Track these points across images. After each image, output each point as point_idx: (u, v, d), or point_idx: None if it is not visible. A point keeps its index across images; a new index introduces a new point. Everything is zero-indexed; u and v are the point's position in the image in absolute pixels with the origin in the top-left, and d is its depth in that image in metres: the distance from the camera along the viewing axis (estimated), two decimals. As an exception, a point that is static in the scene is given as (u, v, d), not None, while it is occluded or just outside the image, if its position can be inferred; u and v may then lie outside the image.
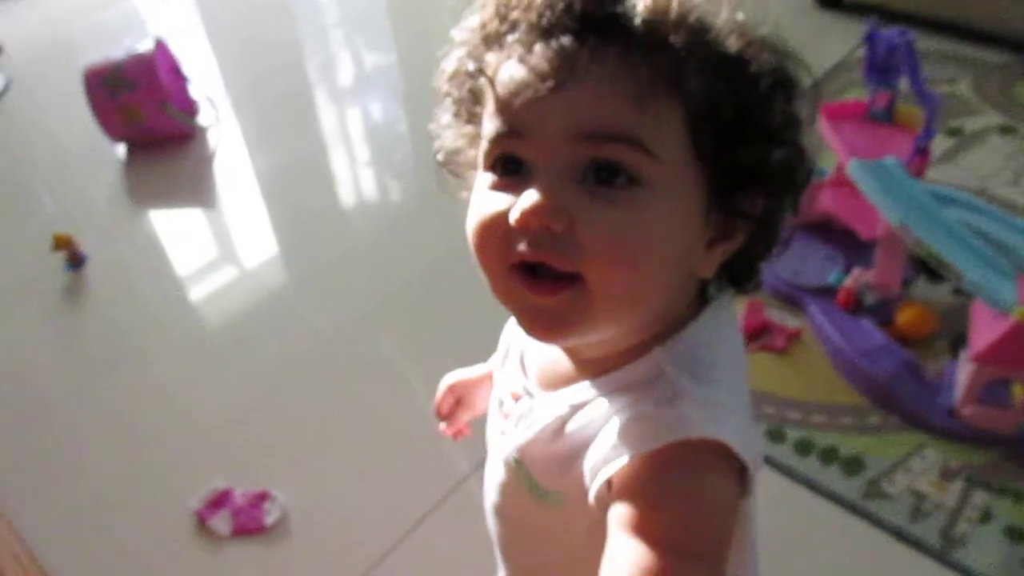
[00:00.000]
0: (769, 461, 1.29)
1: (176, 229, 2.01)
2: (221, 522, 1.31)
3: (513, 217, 0.48)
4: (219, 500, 1.34)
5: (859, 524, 1.21)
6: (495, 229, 0.49)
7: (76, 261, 1.83)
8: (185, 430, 1.48)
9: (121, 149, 2.17)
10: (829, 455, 1.29)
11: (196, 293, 1.83)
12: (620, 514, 0.47)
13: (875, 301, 1.44)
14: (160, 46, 2.13)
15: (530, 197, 0.47)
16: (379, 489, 1.34)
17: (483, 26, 0.51)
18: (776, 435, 1.32)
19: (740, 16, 0.49)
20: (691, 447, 0.47)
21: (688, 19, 0.47)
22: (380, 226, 1.94)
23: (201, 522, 1.31)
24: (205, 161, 2.19)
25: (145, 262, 1.90)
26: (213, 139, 2.23)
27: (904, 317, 1.41)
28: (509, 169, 0.50)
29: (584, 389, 0.55)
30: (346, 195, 2.06)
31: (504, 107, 0.49)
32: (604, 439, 0.50)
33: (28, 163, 2.25)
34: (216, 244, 1.94)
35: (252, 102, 2.43)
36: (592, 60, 0.46)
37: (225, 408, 1.51)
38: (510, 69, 0.49)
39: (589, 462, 0.51)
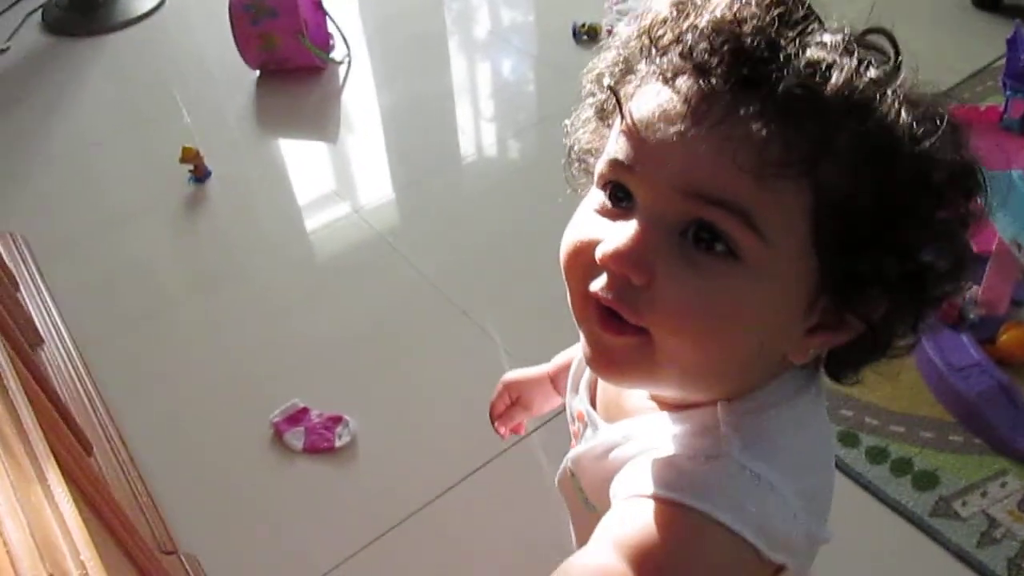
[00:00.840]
0: (836, 463, 1.26)
1: (297, 158, 2.09)
2: (295, 438, 1.38)
3: (598, 254, 0.46)
4: (296, 417, 1.41)
5: (921, 540, 1.17)
6: (583, 255, 0.48)
7: (200, 175, 1.94)
8: (277, 348, 1.57)
9: (256, 75, 2.27)
10: (902, 466, 1.25)
11: (308, 221, 1.90)
12: (607, 522, 0.47)
13: (978, 318, 1.37)
14: (303, -22, 2.21)
15: (620, 238, 0.45)
16: (447, 431, 1.38)
17: (642, 33, 0.48)
18: (849, 439, 1.29)
19: (917, 91, 0.44)
20: (696, 515, 0.45)
21: (853, 95, 0.42)
22: (492, 181, 1.97)
23: (278, 435, 1.40)
24: (332, 95, 2.26)
25: (264, 185, 1.99)
26: (342, 74, 2.30)
27: (1007, 338, 1.34)
28: (618, 197, 0.48)
29: (640, 423, 0.55)
30: (465, 146, 2.09)
31: (628, 135, 0.46)
32: (631, 468, 0.50)
33: (171, 77, 2.38)
34: (333, 177, 2.01)
35: (385, 42, 2.48)
36: (726, 116, 0.42)
37: (317, 333, 1.59)
38: (645, 96, 0.46)
39: (615, 486, 0.51)
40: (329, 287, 1.70)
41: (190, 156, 1.91)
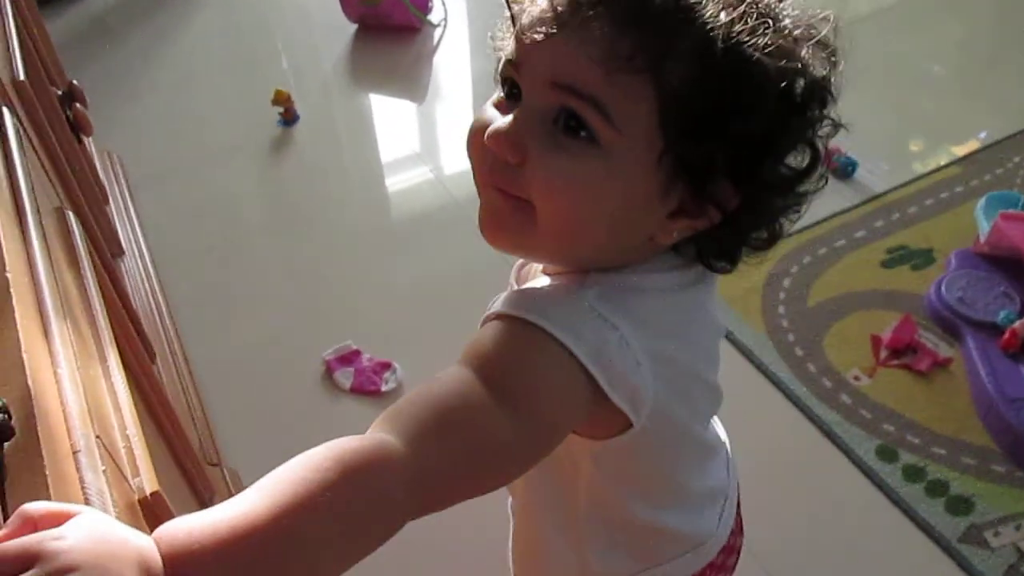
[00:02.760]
0: (870, 476, 1.26)
1: (384, 114, 2.14)
2: (344, 377, 1.44)
3: (484, 136, 0.53)
4: (348, 357, 1.47)
5: (946, 564, 1.16)
6: (478, 138, 0.54)
7: (290, 118, 2.01)
8: (340, 291, 1.63)
9: (354, 28, 2.33)
10: (938, 488, 1.23)
11: (388, 179, 1.95)
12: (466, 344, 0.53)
13: (1042, 350, 1.34)
14: (410, -61, 2.25)
15: (501, 124, 0.52)
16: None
17: None
18: (888, 454, 1.28)
19: (792, 13, 0.51)
20: (535, 329, 0.51)
21: (681, 3, 0.48)
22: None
23: (329, 372, 1.45)
24: (425, 56, 2.30)
25: (349, 136, 2.06)
26: (437, 36, 2.34)
27: (1068, 375, 1.30)
28: (512, 93, 0.54)
29: (531, 282, 0.62)
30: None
31: (516, 38, 0.53)
32: (498, 298, 0.57)
33: (275, 22, 2.46)
34: (417, 139, 2.06)
35: (482, 9, 2.51)
36: (583, 21, 0.49)
37: (380, 283, 1.64)
38: (530, 5, 0.52)
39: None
40: (398, 243, 1.75)
41: (282, 99, 1.98)
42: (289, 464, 0.42)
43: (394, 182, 1.94)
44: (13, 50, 0.98)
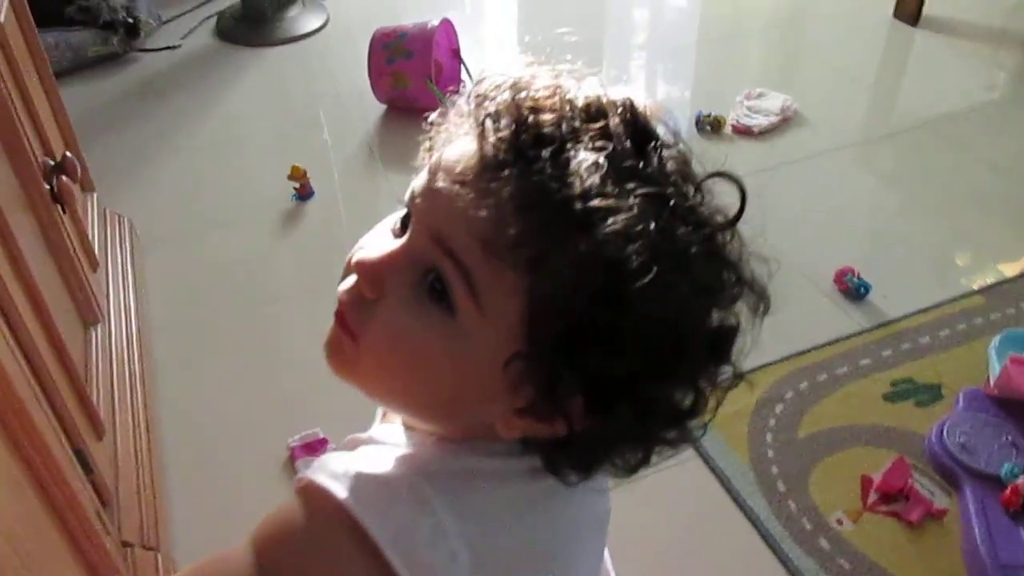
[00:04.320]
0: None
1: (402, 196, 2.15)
2: (305, 466, 1.40)
3: (352, 256, 0.50)
4: (314, 446, 1.44)
5: None
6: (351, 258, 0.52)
7: (304, 193, 2.02)
8: (319, 375, 1.59)
9: (383, 108, 2.36)
10: (912, 659, 1.13)
11: None
12: None
13: (1043, 514, 1.22)
14: (445, 24, 2.28)
15: (373, 251, 0.49)
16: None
17: (472, 91, 0.51)
18: (862, 611, 1.18)
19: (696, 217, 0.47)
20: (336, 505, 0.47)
21: (592, 217, 0.43)
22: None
23: (292, 459, 1.42)
24: (451, 139, 2.31)
25: (361, 216, 2.05)
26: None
27: (1069, 546, 1.19)
28: (404, 222, 0.51)
29: (387, 429, 0.58)
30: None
31: (428, 171, 0.49)
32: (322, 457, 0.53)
33: (306, 97, 2.51)
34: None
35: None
36: (484, 186, 0.44)
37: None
38: (452, 144, 0.49)
39: None
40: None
41: (297, 175, 2.00)
42: None
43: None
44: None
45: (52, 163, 1.30)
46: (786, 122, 2.25)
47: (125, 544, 1.17)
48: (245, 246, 1.94)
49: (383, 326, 0.48)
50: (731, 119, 2.23)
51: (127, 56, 2.59)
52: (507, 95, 0.47)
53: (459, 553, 0.47)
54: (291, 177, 2.01)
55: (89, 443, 1.15)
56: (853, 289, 1.68)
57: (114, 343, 1.47)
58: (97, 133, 2.27)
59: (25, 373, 0.91)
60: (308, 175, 2.02)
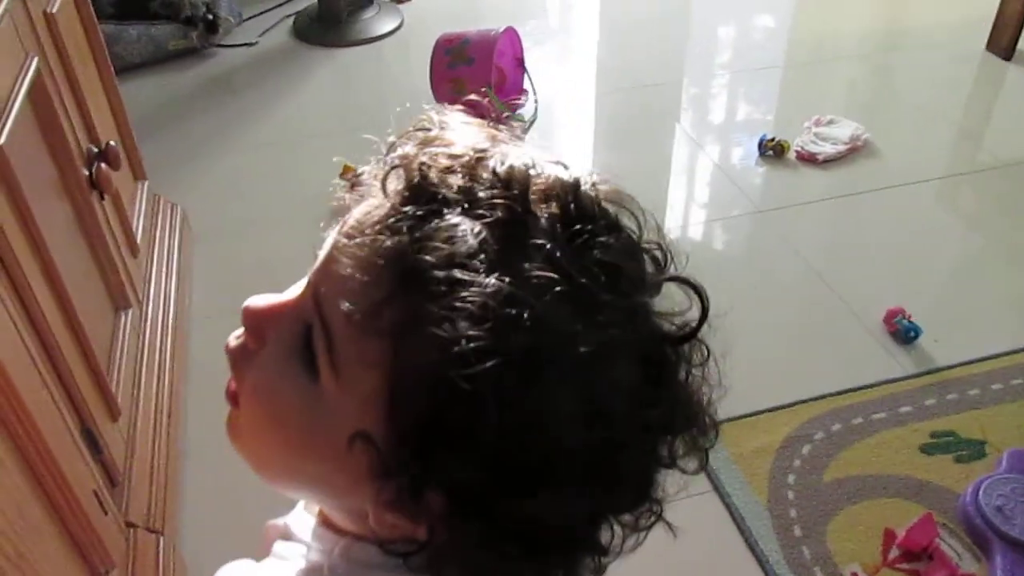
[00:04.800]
0: None
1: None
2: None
3: (246, 304, 0.47)
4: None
5: None
6: None
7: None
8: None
9: (443, 113, 2.37)
10: None
11: None
12: None
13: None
14: (509, 32, 2.28)
15: (259, 301, 0.46)
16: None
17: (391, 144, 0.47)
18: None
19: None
20: None
21: (453, 294, 0.37)
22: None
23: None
24: (508, 149, 2.30)
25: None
26: (519, 133, 2.34)
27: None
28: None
29: (306, 522, 0.53)
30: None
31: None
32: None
33: (369, 96, 2.54)
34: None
35: (579, 112, 2.50)
36: (361, 242, 0.40)
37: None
38: (357, 201, 0.45)
39: None
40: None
41: (349, 172, 2.02)
42: None
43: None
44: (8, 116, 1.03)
45: (95, 150, 1.34)
46: (855, 152, 2.16)
47: (129, 524, 1.19)
48: (293, 243, 1.97)
49: (252, 379, 0.45)
50: (796, 145, 2.16)
51: (205, 51, 2.67)
52: (411, 149, 0.43)
53: None
54: (342, 176, 2.03)
55: (101, 423, 1.17)
56: (902, 331, 1.60)
57: (148, 329, 1.51)
58: (166, 124, 2.35)
59: (28, 350, 0.94)
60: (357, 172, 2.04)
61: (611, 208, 0.43)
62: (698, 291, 0.43)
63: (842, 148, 2.14)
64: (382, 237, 0.39)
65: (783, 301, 1.77)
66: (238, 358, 0.47)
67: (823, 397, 1.49)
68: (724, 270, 1.89)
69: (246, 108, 2.48)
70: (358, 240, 0.40)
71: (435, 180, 0.40)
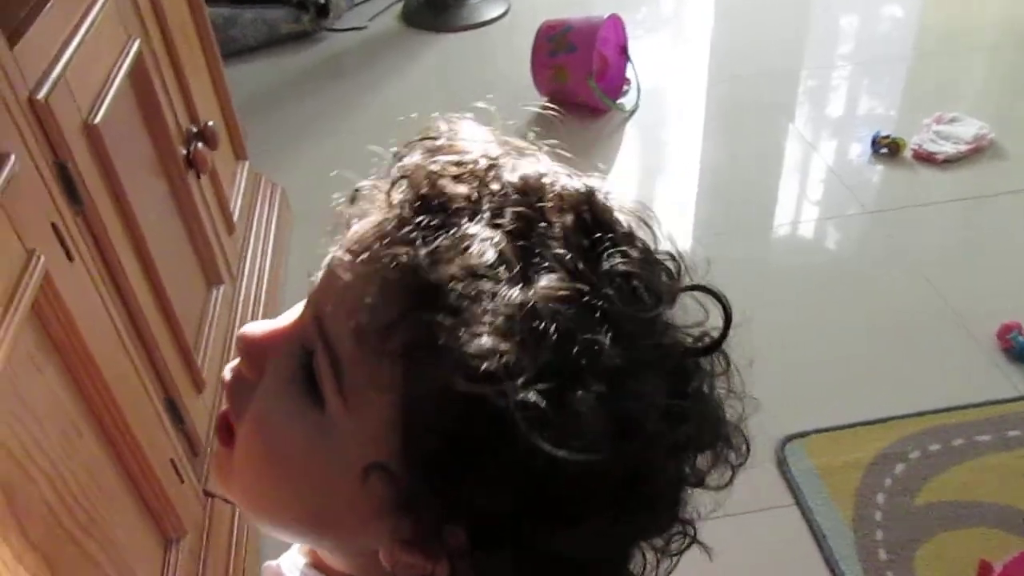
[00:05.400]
0: None
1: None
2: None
3: (242, 332, 0.44)
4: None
5: None
6: None
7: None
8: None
9: (542, 100, 2.34)
10: None
11: None
12: None
13: None
14: (613, 20, 2.23)
15: (256, 328, 0.44)
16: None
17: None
18: None
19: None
20: None
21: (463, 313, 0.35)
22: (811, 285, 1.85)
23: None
24: (606, 140, 2.26)
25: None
26: (625, 124, 2.29)
27: None
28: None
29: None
30: (722, 230, 1.99)
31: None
32: None
33: (477, 80, 2.54)
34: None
35: (685, 103, 2.43)
36: (370, 259, 0.38)
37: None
38: (358, 215, 0.43)
39: None
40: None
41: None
42: None
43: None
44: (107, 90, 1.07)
45: (194, 130, 1.38)
46: (978, 152, 2.01)
47: (207, 494, 1.23)
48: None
49: (252, 413, 0.42)
50: (913, 143, 2.03)
51: (317, 35, 2.73)
52: (418, 158, 0.41)
53: None
54: (437, 163, 2.04)
55: (185, 395, 1.22)
56: (1017, 349, 1.48)
57: (240, 304, 1.56)
58: (275, 105, 2.42)
59: (112, 321, 0.97)
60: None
61: (624, 219, 0.40)
62: (721, 300, 0.41)
63: (964, 148, 2.00)
64: (392, 251, 0.36)
65: (888, 307, 1.67)
66: (234, 390, 0.44)
67: (922, 414, 1.40)
68: (827, 272, 1.80)
69: (352, 92, 2.53)
70: (364, 256, 0.38)
71: (446, 189, 0.38)
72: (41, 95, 0.91)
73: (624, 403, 0.36)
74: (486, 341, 0.34)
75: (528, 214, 0.37)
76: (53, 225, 0.87)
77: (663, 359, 0.38)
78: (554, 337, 0.34)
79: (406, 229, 0.37)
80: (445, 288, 0.35)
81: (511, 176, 0.39)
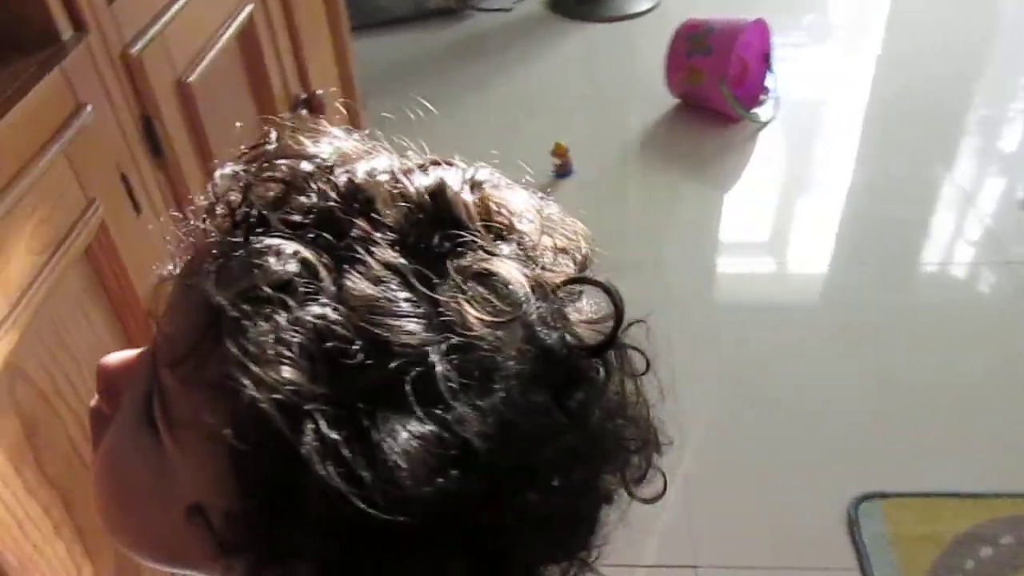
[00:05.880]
0: None
1: (662, 195, 2.05)
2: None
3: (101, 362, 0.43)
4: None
5: None
6: None
7: (563, 172, 2.02)
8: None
9: (675, 102, 2.26)
10: None
11: (627, 252, 1.87)
12: None
13: None
14: (758, 25, 2.12)
15: (113, 358, 0.42)
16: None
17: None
18: None
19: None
20: None
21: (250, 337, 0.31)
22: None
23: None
24: (735, 151, 2.15)
25: (610, 205, 2.00)
26: (758, 135, 2.18)
27: None
28: None
29: None
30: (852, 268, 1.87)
31: None
32: None
33: (612, 74, 2.49)
34: (690, 228, 1.94)
35: (842, 120, 2.28)
36: (188, 275, 0.36)
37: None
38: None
39: None
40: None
41: (559, 152, 2.00)
42: None
43: (629, 258, 1.85)
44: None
45: (304, 96, 1.41)
46: None
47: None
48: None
49: (104, 444, 0.41)
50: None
51: (462, 13, 2.75)
52: (237, 168, 0.37)
53: None
54: (554, 153, 2.01)
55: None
56: None
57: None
58: (409, 77, 2.45)
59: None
60: (570, 154, 2.01)
61: (508, 217, 0.36)
62: (609, 291, 0.36)
63: None
64: (194, 274, 0.34)
65: (1009, 369, 1.52)
66: (93, 422, 0.42)
67: (1019, 496, 1.26)
68: (947, 321, 1.65)
69: (486, 72, 2.53)
70: (176, 284, 0.36)
71: (255, 200, 0.35)
72: (135, 50, 0.94)
73: (455, 427, 0.31)
74: (271, 369, 0.30)
75: (343, 218, 0.33)
76: (123, 176, 0.90)
77: (524, 365, 0.33)
78: (359, 356, 0.30)
79: (213, 249, 0.34)
80: (228, 312, 0.32)
81: (339, 179, 0.35)
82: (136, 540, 0.42)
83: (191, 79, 1.05)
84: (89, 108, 0.84)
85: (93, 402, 0.43)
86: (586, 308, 0.37)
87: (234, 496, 0.33)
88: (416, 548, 0.32)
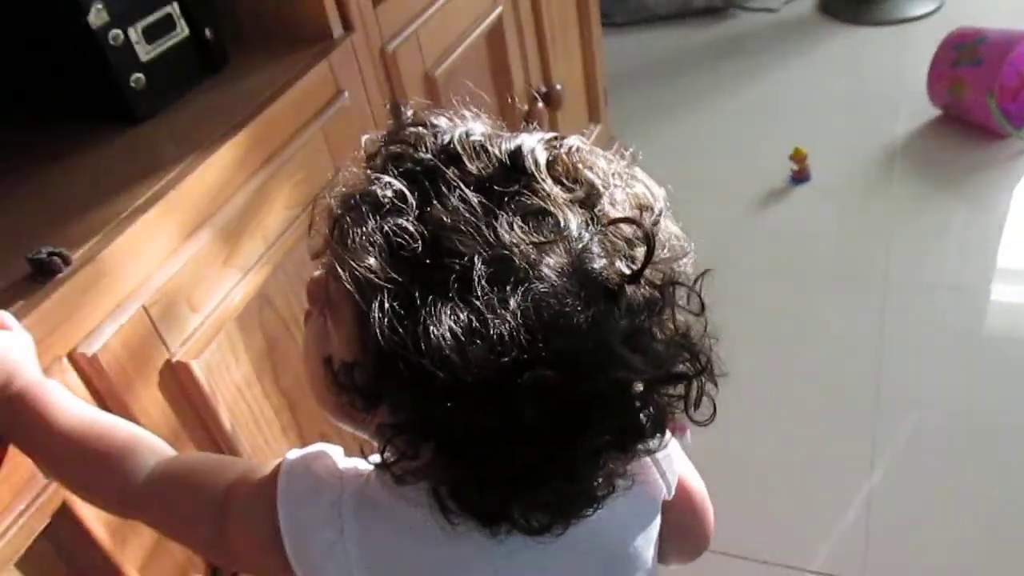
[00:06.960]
0: None
1: (908, 208, 1.95)
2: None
3: None
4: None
5: None
6: None
7: (800, 177, 1.99)
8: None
9: (936, 113, 2.13)
10: None
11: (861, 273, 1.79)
12: None
13: None
14: (1038, 38, 1.94)
15: (312, 277, 0.55)
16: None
17: None
18: None
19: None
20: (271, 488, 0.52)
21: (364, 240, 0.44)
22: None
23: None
24: (993, 166, 1.98)
25: (850, 216, 1.94)
26: (1018, 151, 1.99)
27: None
28: None
29: None
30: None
31: None
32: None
33: (875, 80, 2.38)
34: (940, 255, 1.83)
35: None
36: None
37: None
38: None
39: None
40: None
41: (798, 157, 1.97)
42: (117, 422, 0.60)
43: (853, 269, 1.80)
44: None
45: (543, 90, 1.55)
46: None
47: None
48: (720, 213, 2.00)
49: (305, 334, 0.56)
50: None
51: (728, 12, 2.76)
52: (379, 133, 0.51)
53: (354, 569, 0.50)
54: (792, 158, 1.99)
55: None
56: None
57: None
58: (665, 74, 2.52)
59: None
60: (810, 160, 1.98)
61: (575, 171, 0.46)
62: (641, 227, 0.44)
63: None
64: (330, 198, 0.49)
65: None
66: (305, 321, 0.57)
67: None
68: None
69: (740, 72, 2.52)
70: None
71: (384, 153, 0.49)
72: (392, 47, 1.12)
73: (485, 313, 0.40)
74: (357, 257, 0.43)
75: (439, 167, 0.45)
76: (369, 153, 1.08)
77: (562, 279, 0.41)
78: (422, 256, 0.42)
79: (348, 183, 0.49)
80: (336, 216, 0.47)
81: (443, 140, 0.47)
82: (322, 401, 0.53)
83: (437, 72, 1.21)
84: (346, 94, 1.01)
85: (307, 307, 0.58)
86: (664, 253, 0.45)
87: (356, 351, 0.46)
88: (481, 403, 0.41)
